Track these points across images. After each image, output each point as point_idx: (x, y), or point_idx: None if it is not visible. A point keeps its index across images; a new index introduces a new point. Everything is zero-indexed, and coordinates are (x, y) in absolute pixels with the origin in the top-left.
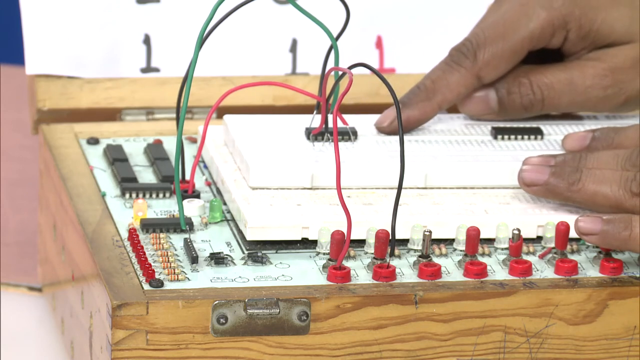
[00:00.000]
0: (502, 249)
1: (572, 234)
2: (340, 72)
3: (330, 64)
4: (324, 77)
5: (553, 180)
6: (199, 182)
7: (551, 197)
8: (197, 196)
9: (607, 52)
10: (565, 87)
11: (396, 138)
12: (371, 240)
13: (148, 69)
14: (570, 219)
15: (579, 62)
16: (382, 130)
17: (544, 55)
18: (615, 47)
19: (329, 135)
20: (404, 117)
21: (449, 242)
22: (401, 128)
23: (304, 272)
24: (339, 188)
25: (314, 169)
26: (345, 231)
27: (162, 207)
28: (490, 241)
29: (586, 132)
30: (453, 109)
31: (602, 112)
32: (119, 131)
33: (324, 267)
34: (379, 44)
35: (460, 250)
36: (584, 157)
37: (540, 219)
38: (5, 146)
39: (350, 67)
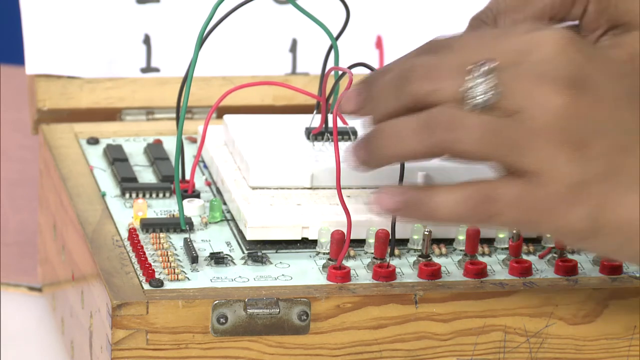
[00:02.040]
0: (502, 249)
1: None
2: (340, 72)
3: (330, 63)
4: (324, 77)
5: (409, 200)
6: (199, 182)
7: (410, 219)
8: (197, 196)
9: (625, 39)
10: None
11: None
12: (371, 240)
13: (148, 69)
14: None
15: None
16: None
17: None
18: (633, 32)
19: (329, 135)
20: None
21: (449, 242)
22: None
23: (304, 271)
24: (339, 188)
25: (314, 168)
26: (345, 231)
27: (162, 207)
28: (490, 241)
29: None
30: None
31: None
32: (119, 131)
33: (324, 266)
34: (379, 44)
35: (460, 250)
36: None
37: None
38: (5, 146)
39: (351, 67)
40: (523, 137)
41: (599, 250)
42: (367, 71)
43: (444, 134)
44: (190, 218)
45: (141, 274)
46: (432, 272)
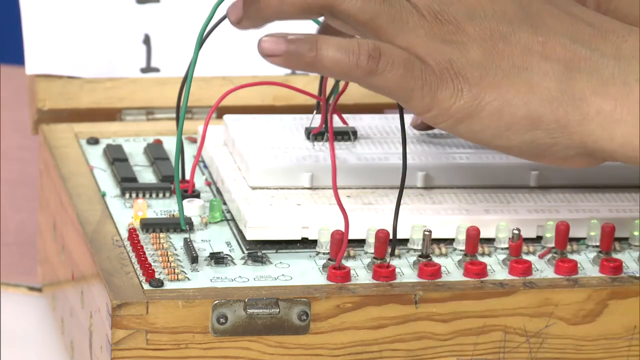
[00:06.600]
0: (502, 249)
1: (572, 234)
2: None
3: None
4: (324, 77)
5: (292, 47)
6: (199, 182)
7: (293, 66)
8: (197, 196)
9: None
10: None
11: (397, 138)
12: (371, 240)
13: (148, 69)
14: (571, 218)
15: None
16: (418, 127)
17: None
18: None
19: (328, 135)
20: None
21: (449, 242)
22: (403, 128)
23: (303, 271)
24: (335, 187)
25: (314, 169)
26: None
27: (162, 207)
28: (490, 241)
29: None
30: None
31: None
32: (119, 131)
33: (323, 266)
34: None
35: (460, 250)
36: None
37: (540, 219)
38: (5, 146)
39: None
40: (402, 12)
41: (473, 135)
42: None
43: None
44: (190, 218)
45: (141, 274)
46: (432, 272)
